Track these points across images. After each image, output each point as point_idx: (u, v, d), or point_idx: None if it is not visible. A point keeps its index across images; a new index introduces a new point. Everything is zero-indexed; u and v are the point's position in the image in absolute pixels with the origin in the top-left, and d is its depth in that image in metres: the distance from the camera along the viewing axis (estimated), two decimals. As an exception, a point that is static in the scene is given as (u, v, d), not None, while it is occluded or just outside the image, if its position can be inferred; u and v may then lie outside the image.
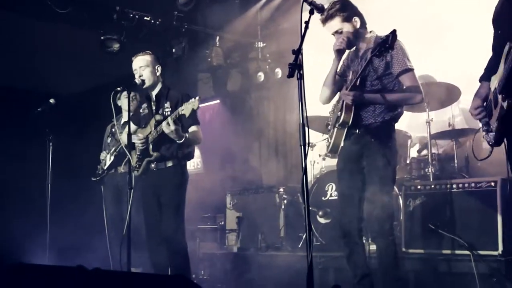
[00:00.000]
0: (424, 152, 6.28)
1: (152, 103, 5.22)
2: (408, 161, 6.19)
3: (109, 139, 6.69)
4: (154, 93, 5.20)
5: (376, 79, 4.27)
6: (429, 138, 5.84)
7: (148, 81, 5.11)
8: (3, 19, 7.20)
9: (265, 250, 6.68)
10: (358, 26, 4.35)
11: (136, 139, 5.12)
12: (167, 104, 5.09)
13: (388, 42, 3.79)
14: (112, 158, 6.40)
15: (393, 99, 4.26)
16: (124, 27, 8.06)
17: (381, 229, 4.15)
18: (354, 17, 4.35)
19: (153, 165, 5.11)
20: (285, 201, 6.94)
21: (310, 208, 3.38)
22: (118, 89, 5.01)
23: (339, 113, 4.29)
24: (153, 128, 5.06)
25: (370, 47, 4.31)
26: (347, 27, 4.31)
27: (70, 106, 8.23)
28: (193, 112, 4.76)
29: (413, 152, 6.44)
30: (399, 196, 5.53)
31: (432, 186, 5.26)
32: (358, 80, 4.19)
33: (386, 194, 4.18)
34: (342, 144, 4.35)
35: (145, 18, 8.25)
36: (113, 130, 6.49)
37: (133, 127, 5.29)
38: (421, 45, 6.10)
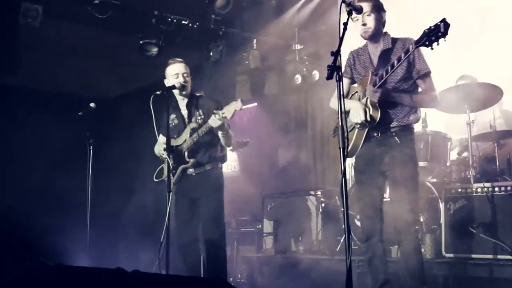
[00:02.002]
0: (465, 154, 6.14)
1: (183, 112, 5.29)
2: (448, 164, 6.09)
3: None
4: (184, 102, 5.27)
5: (399, 81, 4.25)
6: (470, 140, 5.72)
7: (188, 88, 5.21)
8: (46, 24, 7.30)
9: (302, 253, 6.63)
10: (382, 21, 4.34)
11: (163, 150, 5.17)
12: (199, 112, 5.13)
13: (441, 30, 3.69)
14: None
15: (415, 101, 4.27)
16: (162, 31, 8.13)
17: (409, 232, 4.12)
18: (383, 12, 4.34)
19: (191, 170, 5.18)
20: (323, 204, 6.88)
21: (349, 211, 3.34)
22: (158, 92, 4.96)
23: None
24: (188, 136, 5.15)
25: (388, 47, 4.30)
26: (372, 18, 4.28)
27: (110, 109, 8.31)
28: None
29: (453, 155, 6.32)
30: (439, 200, 5.43)
31: (473, 189, 5.15)
32: (384, 79, 4.14)
33: (413, 196, 4.15)
34: (360, 146, 4.29)
35: (183, 22, 8.30)
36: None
37: (163, 138, 5.30)
38: (462, 44, 5.99)
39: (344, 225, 3.30)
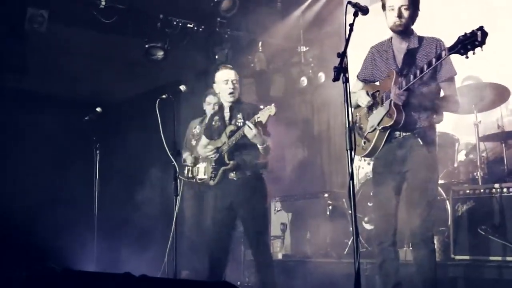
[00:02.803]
0: (472, 155, 6.10)
1: (225, 114, 5.29)
2: (455, 165, 6.04)
3: (194, 142, 6.71)
4: (228, 104, 5.27)
5: (423, 83, 4.12)
6: (477, 140, 5.68)
7: (236, 94, 5.22)
8: (52, 30, 7.31)
9: (310, 256, 6.60)
10: (415, 19, 4.24)
11: (208, 151, 5.30)
12: (239, 115, 5.17)
13: (478, 39, 3.52)
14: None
15: (439, 105, 4.17)
16: (168, 35, 8.11)
17: (424, 236, 4.03)
18: (418, 10, 4.24)
19: (232, 174, 5.16)
20: (330, 207, 6.86)
21: (356, 213, 3.31)
22: (164, 96, 4.98)
23: (385, 114, 4.12)
24: (227, 139, 5.15)
25: (415, 46, 4.18)
26: (408, 13, 4.16)
27: (116, 114, 8.31)
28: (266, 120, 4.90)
29: (460, 156, 6.27)
30: (447, 201, 5.37)
31: (482, 190, 5.10)
32: (411, 83, 4.02)
33: (431, 200, 4.07)
34: (381, 147, 4.20)
35: (188, 25, 8.26)
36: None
37: (205, 140, 5.49)
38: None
39: (352, 227, 3.26)
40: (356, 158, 6.05)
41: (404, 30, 4.20)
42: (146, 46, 8.11)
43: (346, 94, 3.38)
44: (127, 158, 8.38)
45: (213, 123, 5.41)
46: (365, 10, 3.71)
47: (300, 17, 8.64)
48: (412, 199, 4.09)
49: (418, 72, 3.94)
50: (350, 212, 3.37)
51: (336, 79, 3.40)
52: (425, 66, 3.90)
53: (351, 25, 3.52)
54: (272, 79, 9.26)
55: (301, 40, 8.85)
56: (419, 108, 4.12)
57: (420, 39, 4.22)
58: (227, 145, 5.14)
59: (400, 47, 4.27)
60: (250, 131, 4.87)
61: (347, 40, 3.49)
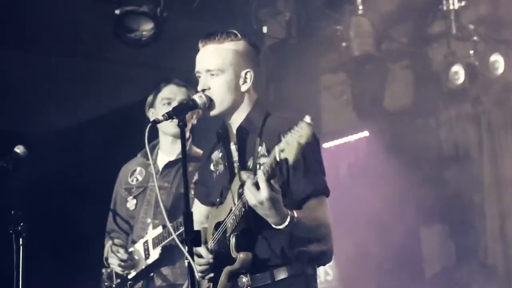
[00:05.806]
0: None
1: (232, 147, 3.09)
2: None
3: (132, 201, 4.56)
4: (234, 125, 3.08)
5: None
6: None
7: (221, 102, 2.97)
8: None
9: None
10: None
11: (200, 262, 2.95)
12: (261, 149, 2.98)
13: None
14: (159, 250, 4.33)
15: None
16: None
17: None
18: None
19: (244, 280, 3.00)
20: None
21: None
22: (160, 118, 2.80)
23: None
24: (235, 201, 2.94)
25: None
26: None
27: (57, 153, 6.05)
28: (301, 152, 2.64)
29: None
30: None
31: None
32: None
33: None
34: None
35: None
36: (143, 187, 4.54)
37: (202, 207, 3.36)
38: None
39: None
40: None
41: None
42: (117, 12, 5.15)
43: None
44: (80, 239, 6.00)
45: (212, 165, 3.34)
46: None
47: None
48: None
49: None
50: None
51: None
52: None
53: None
54: (387, 74, 6.27)
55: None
56: None
57: None
58: (234, 217, 2.97)
59: None
60: (253, 195, 2.56)
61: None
